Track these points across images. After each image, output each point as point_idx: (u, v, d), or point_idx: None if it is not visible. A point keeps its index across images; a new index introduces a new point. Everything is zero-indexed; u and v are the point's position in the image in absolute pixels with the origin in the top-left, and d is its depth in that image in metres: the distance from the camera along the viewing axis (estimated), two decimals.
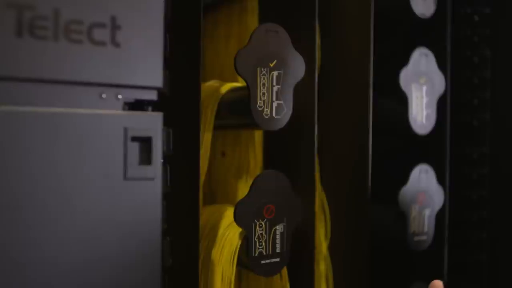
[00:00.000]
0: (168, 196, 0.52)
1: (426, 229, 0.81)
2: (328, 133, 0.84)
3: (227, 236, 0.68)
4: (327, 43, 0.83)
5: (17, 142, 0.42)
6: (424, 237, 0.81)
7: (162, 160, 0.49)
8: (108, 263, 0.46)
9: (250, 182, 0.78)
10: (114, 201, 0.46)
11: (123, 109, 0.48)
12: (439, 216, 0.83)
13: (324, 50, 0.83)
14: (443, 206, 0.84)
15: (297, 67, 0.68)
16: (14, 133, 0.42)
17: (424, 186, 0.81)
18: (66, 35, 0.44)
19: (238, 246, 0.66)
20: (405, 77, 0.78)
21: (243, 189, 0.78)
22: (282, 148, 0.78)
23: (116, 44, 0.46)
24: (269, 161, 0.79)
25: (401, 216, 0.79)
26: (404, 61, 0.79)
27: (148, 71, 0.48)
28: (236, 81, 0.79)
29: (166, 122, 0.51)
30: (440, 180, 0.83)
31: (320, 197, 0.85)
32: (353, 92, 0.79)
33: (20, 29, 0.42)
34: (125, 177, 0.47)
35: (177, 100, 0.72)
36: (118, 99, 0.48)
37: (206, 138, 0.71)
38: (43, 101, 0.44)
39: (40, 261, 0.43)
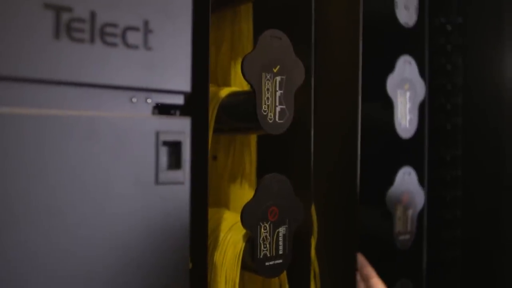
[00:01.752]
0: None
1: (409, 228, 0.85)
2: (317, 136, 0.86)
3: (230, 239, 0.69)
4: (317, 50, 0.85)
5: (50, 145, 0.41)
6: (407, 236, 0.85)
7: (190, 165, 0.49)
8: (138, 267, 0.46)
9: (245, 186, 0.80)
10: (146, 205, 0.46)
11: (153, 113, 0.48)
12: (419, 216, 0.88)
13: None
14: (423, 206, 0.88)
15: (298, 73, 0.69)
16: (47, 136, 0.41)
17: (407, 188, 0.85)
18: (102, 38, 0.43)
19: (242, 249, 0.67)
20: (391, 83, 0.82)
21: (237, 193, 0.79)
22: (278, 152, 0.79)
23: (148, 48, 0.46)
24: (263, 165, 0.80)
25: (388, 217, 0.83)
26: (390, 68, 0.83)
27: (177, 75, 0.48)
28: (229, 85, 0.80)
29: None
30: (421, 181, 0.87)
31: None
32: (342, 98, 0.82)
33: (58, 31, 0.41)
34: (157, 182, 0.47)
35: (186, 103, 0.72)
36: (147, 103, 0.47)
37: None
38: (76, 104, 0.43)
39: (71, 265, 0.42)
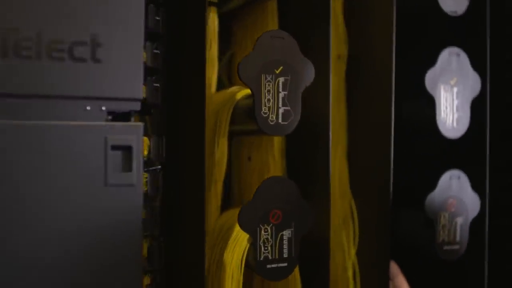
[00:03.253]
0: (172, 201, 0.55)
1: (458, 238, 0.77)
2: (356, 137, 0.83)
3: (238, 239, 0.70)
4: (354, 42, 0.82)
5: (5, 153, 0.47)
6: (456, 247, 0.77)
7: (143, 167, 0.52)
8: (89, 265, 0.50)
9: None
10: (95, 206, 0.50)
11: (107, 120, 0.51)
12: (476, 224, 0.79)
13: (351, 50, 0.82)
14: (481, 214, 0.79)
15: (306, 73, 0.68)
16: (3, 144, 0.47)
17: (455, 193, 0.77)
18: (48, 54, 0.48)
19: (246, 250, 0.68)
20: (432, 78, 0.75)
21: None
22: (299, 153, 0.78)
23: (96, 60, 0.50)
24: (289, 166, 0.79)
25: (429, 224, 0.76)
26: (432, 61, 0.76)
27: (129, 83, 0.51)
28: None
29: (164, 130, 0.54)
30: (476, 186, 0.78)
31: (349, 203, 0.84)
32: (377, 94, 0.77)
33: (6, 50, 0.47)
34: (106, 184, 0.50)
35: (184, 108, 0.75)
36: (102, 110, 0.51)
37: (221, 143, 0.74)
38: (32, 115, 0.49)
39: (23, 261, 0.47)
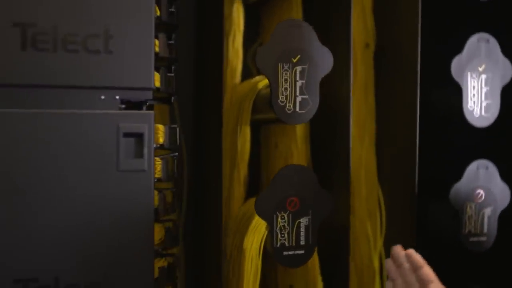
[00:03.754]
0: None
1: (485, 229, 0.75)
2: (383, 127, 0.82)
3: (258, 226, 0.71)
4: (381, 31, 0.81)
5: (26, 139, 0.51)
6: (483, 238, 0.75)
7: (153, 153, 0.54)
8: (102, 245, 0.52)
9: None
10: (108, 190, 0.53)
11: (120, 108, 0.54)
12: (506, 216, 0.76)
13: (379, 39, 0.81)
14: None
15: (324, 61, 0.68)
16: (25, 131, 0.50)
17: (483, 183, 0.75)
18: (64, 46, 0.51)
19: (265, 236, 0.69)
20: (458, 65, 0.73)
21: None
22: (322, 141, 0.78)
23: (109, 51, 0.52)
24: (313, 154, 0.79)
25: (454, 215, 0.74)
26: (459, 48, 0.74)
27: (140, 73, 0.54)
28: None
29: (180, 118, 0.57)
30: (506, 176, 0.76)
31: (376, 192, 0.83)
32: (402, 84, 0.76)
33: (25, 44, 0.50)
34: (118, 169, 0.53)
35: (205, 98, 0.77)
36: (115, 99, 0.54)
37: (243, 131, 0.75)
38: (49, 105, 0.52)
39: (43, 238, 0.51)
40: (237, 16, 0.78)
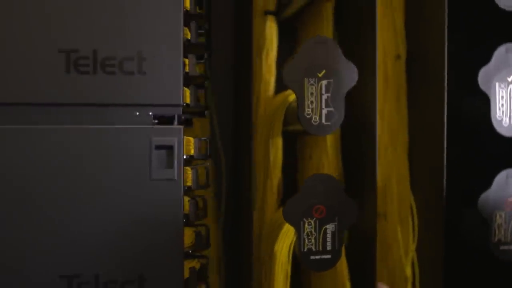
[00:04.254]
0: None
1: None
2: (415, 137, 0.83)
3: (287, 232, 0.75)
4: (411, 42, 0.83)
5: (69, 152, 0.57)
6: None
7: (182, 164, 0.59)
8: (134, 250, 0.58)
9: None
10: (142, 198, 0.59)
11: (153, 123, 0.60)
12: None
13: (410, 49, 0.83)
14: None
15: (348, 75, 0.71)
16: (70, 145, 0.57)
17: None
18: (102, 69, 0.58)
19: (293, 242, 0.73)
20: (485, 75, 0.74)
21: None
22: (351, 152, 0.81)
23: (142, 72, 0.58)
24: (345, 164, 0.82)
25: (484, 223, 0.75)
26: (487, 58, 0.74)
27: (170, 91, 0.59)
28: None
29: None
30: None
31: (408, 199, 0.85)
32: (431, 94, 0.78)
33: (68, 67, 0.57)
34: (150, 179, 0.59)
35: (239, 111, 0.82)
36: (148, 115, 0.60)
37: (276, 141, 0.79)
38: (90, 121, 0.59)
39: (81, 242, 0.57)
40: (270, 33, 0.82)
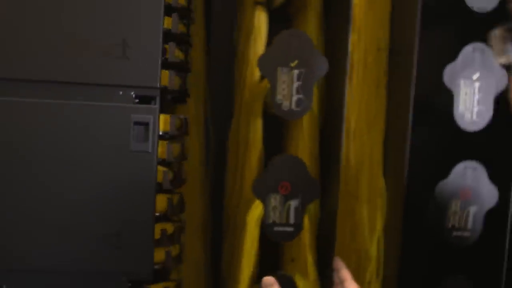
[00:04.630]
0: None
1: (470, 225, 0.81)
2: (390, 123, 0.90)
3: (259, 205, 0.83)
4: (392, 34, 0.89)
5: (60, 124, 0.67)
6: (466, 233, 0.81)
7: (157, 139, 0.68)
8: (116, 204, 0.68)
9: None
10: (121, 165, 0.68)
11: (134, 103, 0.69)
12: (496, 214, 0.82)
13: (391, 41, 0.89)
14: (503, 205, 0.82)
15: (319, 66, 0.78)
16: (60, 119, 0.67)
17: (469, 183, 0.81)
18: (92, 52, 0.67)
19: (262, 213, 0.81)
20: (451, 73, 0.79)
21: None
22: (325, 136, 0.88)
23: (126, 57, 0.67)
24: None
25: (438, 210, 0.81)
26: (454, 56, 0.80)
27: (149, 75, 0.68)
28: None
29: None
30: (496, 178, 0.81)
31: (378, 182, 0.91)
32: (403, 85, 0.83)
33: (66, 49, 0.66)
34: (129, 150, 0.68)
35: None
36: (131, 95, 0.69)
37: (254, 123, 0.86)
38: (81, 97, 0.68)
39: (66, 206, 0.68)
40: (258, 21, 0.89)
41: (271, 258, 0.95)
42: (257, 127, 0.87)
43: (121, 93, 0.68)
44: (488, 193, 0.81)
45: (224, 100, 0.96)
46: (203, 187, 0.98)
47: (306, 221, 0.82)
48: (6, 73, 0.67)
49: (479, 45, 0.79)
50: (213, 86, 0.97)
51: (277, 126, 0.91)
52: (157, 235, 0.71)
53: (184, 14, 0.73)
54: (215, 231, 0.95)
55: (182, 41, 0.74)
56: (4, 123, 0.66)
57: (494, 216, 0.82)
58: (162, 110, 0.74)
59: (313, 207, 0.88)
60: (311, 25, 0.90)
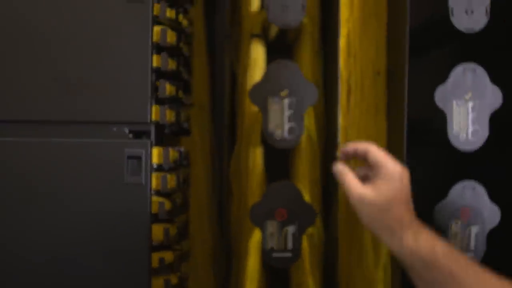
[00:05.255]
0: None
1: (472, 247, 0.80)
2: (389, 145, 0.90)
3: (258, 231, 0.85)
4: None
5: (59, 161, 0.72)
6: (470, 254, 0.80)
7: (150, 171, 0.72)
8: (109, 236, 0.71)
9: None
10: (116, 198, 0.72)
11: (128, 137, 0.73)
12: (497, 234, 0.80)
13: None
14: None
15: (309, 95, 0.80)
16: (58, 156, 0.72)
17: (469, 203, 0.80)
18: (86, 92, 0.71)
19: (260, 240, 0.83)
20: (442, 93, 0.79)
21: None
22: (325, 161, 0.89)
23: (118, 97, 0.71)
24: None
25: (439, 231, 0.80)
26: (445, 77, 0.80)
27: (140, 112, 0.72)
28: None
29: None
30: (497, 198, 0.80)
31: None
32: (395, 107, 0.84)
33: (60, 90, 0.71)
34: (123, 182, 0.72)
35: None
36: (124, 131, 0.73)
37: (253, 151, 0.88)
38: (77, 135, 0.72)
39: (60, 238, 0.72)
40: (255, 53, 0.92)
41: (280, 284, 0.96)
42: (257, 154, 0.89)
43: (115, 129, 0.72)
44: (489, 212, 0.80)
45: (229, 130, 1.00)
46: (211, 215, 1.01)
47: (306, 246, 0.83)
48: (2, 114, 0.72)
49: (470, 65, 0.79)
50: (218, 117, 1.01)
51: (281, 153, 0.94)
52: (155, 264, 0.74)
53: (174, 52, 0.77)
54: (225, 258, 0.97)
55: (174, 77, 0.78)
56: (1, 162, 0.71)
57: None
58: (161, 143, 0.78)
59: (316, 232, 0.89)
60: (306, 54, 0.92)
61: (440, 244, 0.59)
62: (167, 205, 0.75)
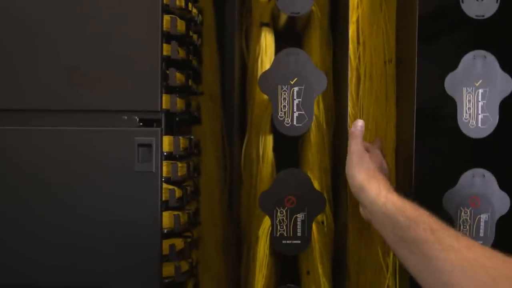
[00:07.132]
0: None
1: (482, 234, 0.80)
2: (399, 133, 0.90)
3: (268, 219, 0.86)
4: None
5: (73, 148, 0.73)
6: (479, 242, 0.80)
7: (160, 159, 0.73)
8: (121, 223, 0.73)
9: None
10: (127, 185, 0.73)
11: (138, 126, 0.73)
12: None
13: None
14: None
15: (318, 83, 0.80)
16: (73, 143, 0.73)
17: (478, 190, 0.80)
18: (98, 83, 0.72)
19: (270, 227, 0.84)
20: (452, 81, 0.79)
21: None
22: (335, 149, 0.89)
23: (130, 87, 0.72)
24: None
25: (448, 219, 0.81)
26: (455, 64, 0.80)
27: (151, 100, 0.73)
28: None
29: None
30: (507, 185, 0.80)
31: None
32: (405, 95, 0.84)
33: (72, 81, 0.72)
34: (134, 170, 0.73)
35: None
36: (134, 119, 0.73)
37: (263, 139, 0.89)
38: (88, 124, 0.73)
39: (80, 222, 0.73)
40: (264, 41, 0.92)
41: (291, 271, 0.97)
42: (267, 142, 0.90)
43: (125, 117, 0.73)
44: (499, 200, 0.80)
45: (239, 118, 1.00)
46: (222, 203, 1.02)
47: (315, 233, 0.84)
48: (18, 103, 0.73)
49: (480, 52, 0.79)
50: (228, 106, 1.01)
51: (291, 141, 0.94)
52: (165, 251, 0.75)
53: (184, 41, 0.77)
54: (235, 245, 0.98)
55: (184, 66, 0.78)
56: (16, 151, 0.73)
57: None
58: (171, 132, 0.79)
59: (325, 219, 0.89)
60: (316, 42, 0.92)
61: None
62: (178, 192, 0.76)
